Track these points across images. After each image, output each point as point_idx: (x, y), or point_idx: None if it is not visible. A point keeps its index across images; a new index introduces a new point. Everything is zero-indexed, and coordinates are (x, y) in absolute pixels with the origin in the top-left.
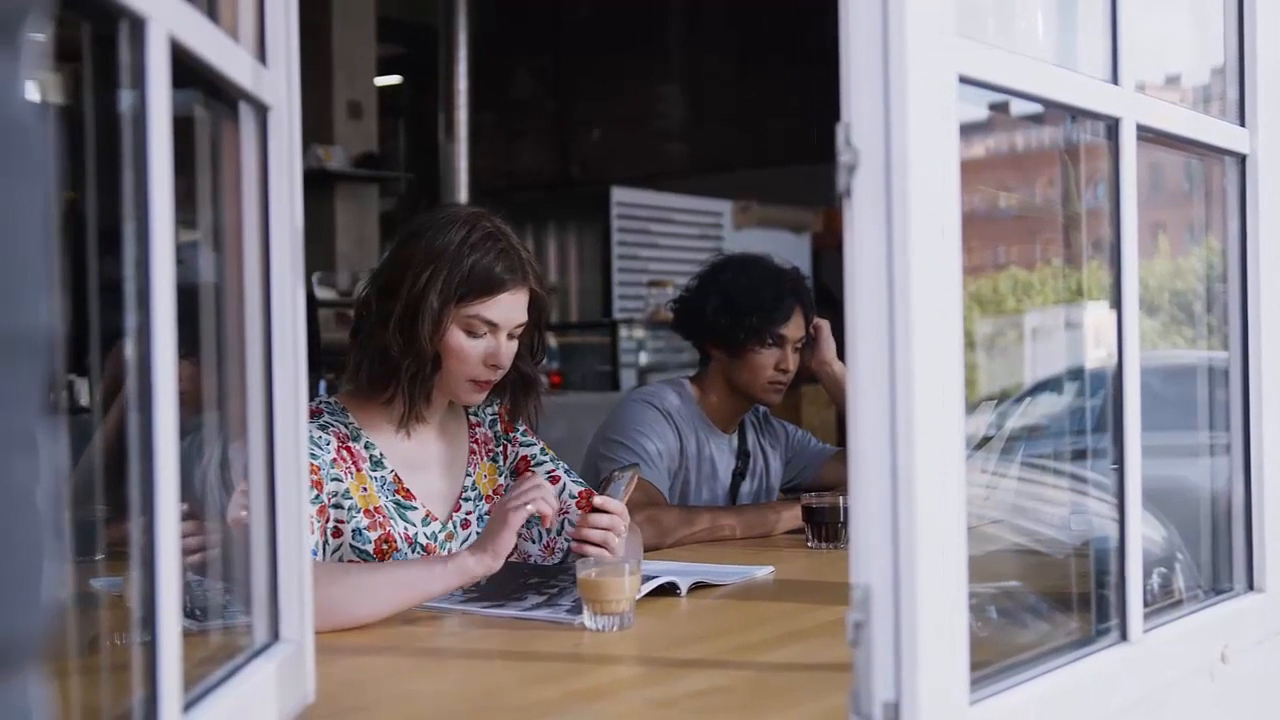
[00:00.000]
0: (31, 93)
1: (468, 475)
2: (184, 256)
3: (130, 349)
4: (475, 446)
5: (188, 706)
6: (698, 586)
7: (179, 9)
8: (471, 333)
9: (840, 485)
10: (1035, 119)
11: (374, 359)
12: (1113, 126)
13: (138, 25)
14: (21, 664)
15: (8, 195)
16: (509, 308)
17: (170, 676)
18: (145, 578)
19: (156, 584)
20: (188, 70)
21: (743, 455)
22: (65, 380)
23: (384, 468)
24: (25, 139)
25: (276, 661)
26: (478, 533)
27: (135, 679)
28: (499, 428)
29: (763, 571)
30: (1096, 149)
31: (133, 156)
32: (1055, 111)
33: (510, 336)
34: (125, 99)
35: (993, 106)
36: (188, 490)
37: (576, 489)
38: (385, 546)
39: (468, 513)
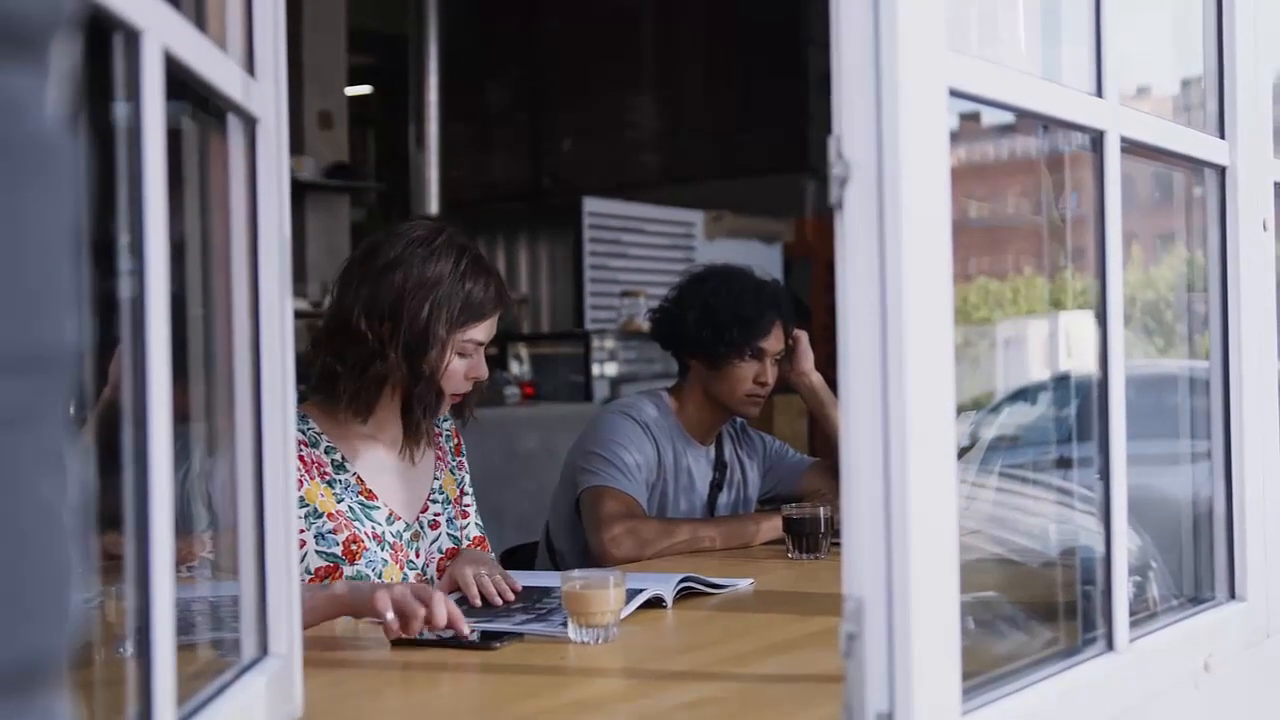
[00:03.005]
0: (58, 108)
1: (435, 479)
2: (170, 268)
3: (125, 362)
4: (440, 453)
5: None
6: (685, 593)
7: (173, 21)
8: (462, 354)
9: (818, 495)
10: (1005, 129)
11: (373, 385)
12: (1097, 139)
13: (132, 37)
14: (50, 681)
15: (36, 211)
16: (493, 326)
17: (164, 692)
18: (139, 593)
19: (151, 599)
20: (177, 82)
21: (720, 467)
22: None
23: (347, 471)
24: (53, 155)
25: (266, 676)
26: (447, 534)
27: (127, 694)
28: (451, 445)
29: (744, 584)
30: (1068, 159)
31: (127, 168)
32: (1027, 122)
33: (485, 350)
34: (119, 110)
35: (963, 116)
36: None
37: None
38: (354, 547)
39: (436, 514)
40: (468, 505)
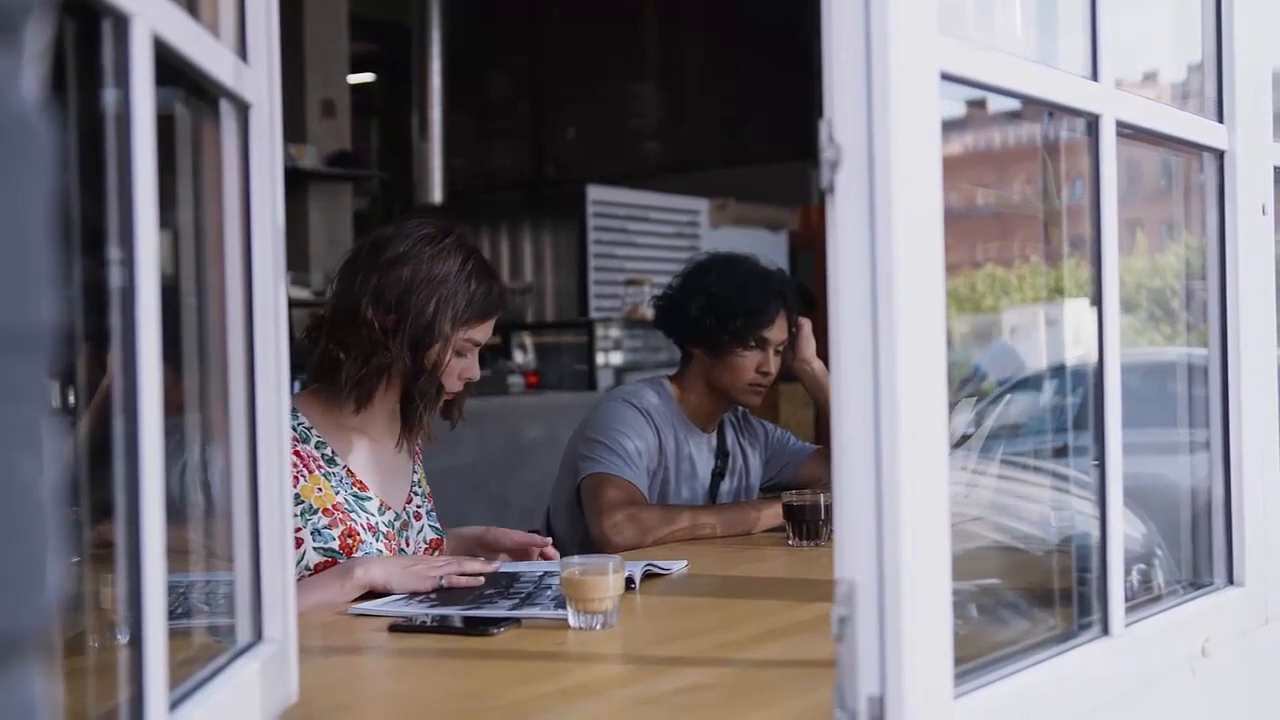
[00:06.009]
0: (33, 90)
1: (414, 472)
2: (162, 257)
3: (114, 351)
4: (417, 450)
5: (173, 705)
6: (649, 576)
7: (162, 6)
8: (459, 353)
9: (820, 483)
10: (1012, 116)
11: (375, 375)
12: (1093, 123)
13: (121, 23)
14: (26, 658)
15: (12, 192)
16: (490, 328)
17: (156, 676)
18: (131, 578)
19: (142, 585)
20: (169, 68)
21: (722, 454)
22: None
23: (337, 464)
24: (29, 136)
25: (260, 661)
26: (430, 525)
27: (120, 679)
28: (420, 443)
29: (678, 566)
30: (1074, 146)
31: (116, 155)
32: (1033, 108)
33: (480, 351)
34: (108, 97)
35: (970, 103)
36: (167, 492)
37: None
38: (350, 541)
39: (418, 506)
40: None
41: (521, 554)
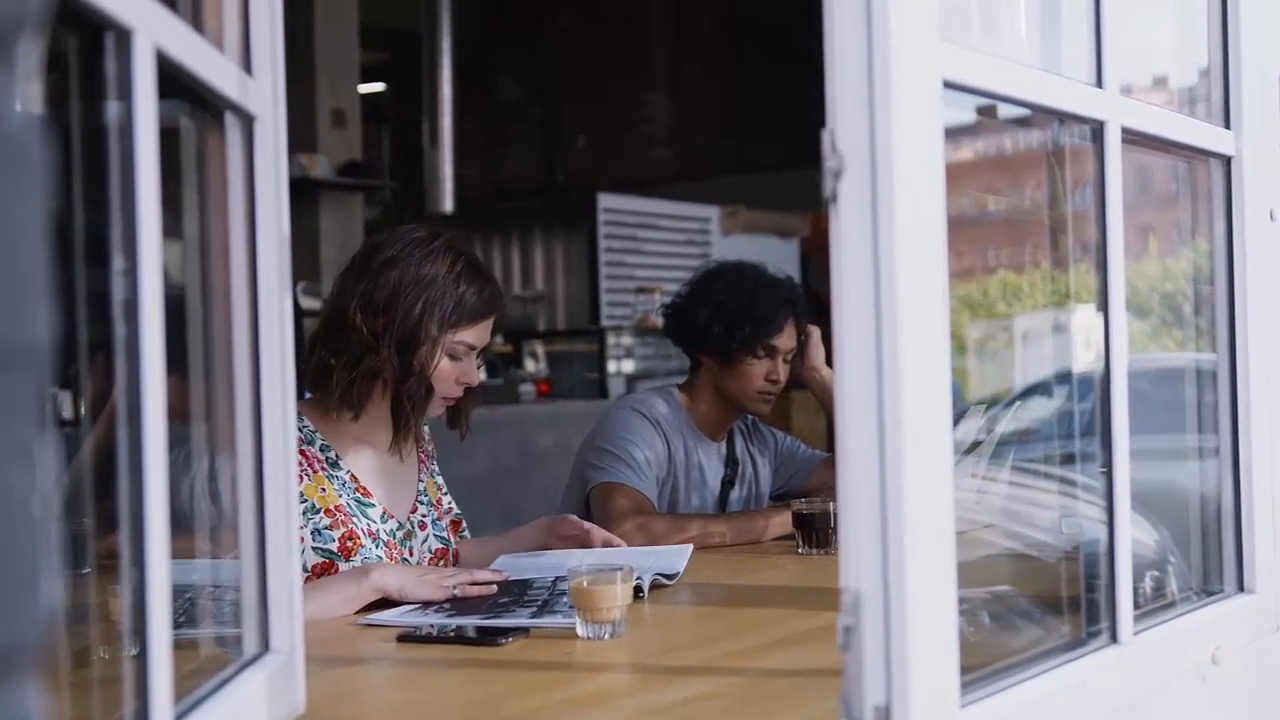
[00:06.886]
0: (27, 105)
1: (420, 481)
2: (168, 268)
3: (118, 361)
4: (423, 457)
5: (179, 718)
6: (656, 586)
7: (165, 20)
8: (453, 356)
9: (829, 491)
10: (1022, 122)
11: (365, 379)
12: (1098, 129)
13: (124, 36)
14: (20, 673)
15: (7, 208)
16: (487, 331)
17: (161, 688)
18: (135, 590)
19: (147, 596)
20: (173, 80)
21: (732, 463)
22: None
23: (341, 469)
24: (22, 152)
25: (267, 672)
26: (434, 535)
27: (125, 691)
28: (431, 448)
29: (684, 553)
30: (1084, 151)
31: (119, 167)
32: (1041, 115)
33: (478, 355)
34: (111, 110)
35: (980, 110)
36: (175, 503)
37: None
38: (350, 544)
39: (423, 515)
40: (449, 500)
41: (582, 543)
